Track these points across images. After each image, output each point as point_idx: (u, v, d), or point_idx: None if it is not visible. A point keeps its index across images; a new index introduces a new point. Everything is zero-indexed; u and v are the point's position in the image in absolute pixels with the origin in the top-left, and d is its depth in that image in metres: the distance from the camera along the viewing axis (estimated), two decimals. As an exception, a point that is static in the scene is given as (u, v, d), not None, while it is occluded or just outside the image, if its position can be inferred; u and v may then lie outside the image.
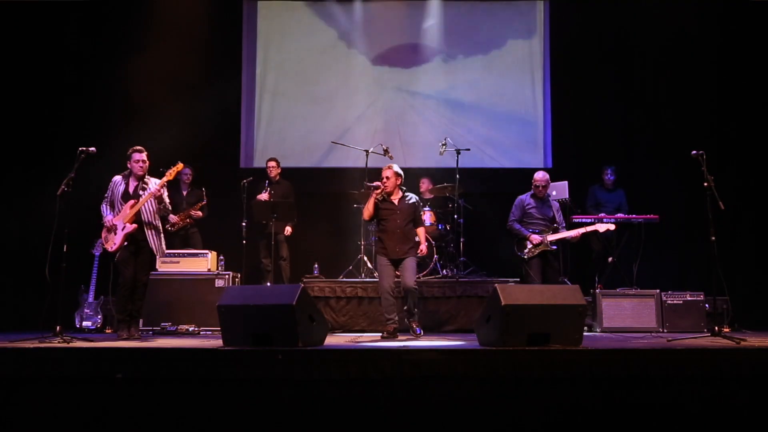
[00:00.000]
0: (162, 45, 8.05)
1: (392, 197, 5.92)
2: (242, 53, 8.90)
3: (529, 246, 6.33)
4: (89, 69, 8.27)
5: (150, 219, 5.65)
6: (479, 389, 3.95)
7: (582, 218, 6.85)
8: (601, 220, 6.69)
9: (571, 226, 6.64)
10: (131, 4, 8.36)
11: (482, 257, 7.76)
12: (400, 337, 5.56)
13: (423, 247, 5.97)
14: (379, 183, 5.87)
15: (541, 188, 6.51)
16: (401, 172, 5.97)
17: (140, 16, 8.27)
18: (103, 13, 8.32)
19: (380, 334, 5.79)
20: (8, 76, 7.82)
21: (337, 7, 8.97)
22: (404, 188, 6.03)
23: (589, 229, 6.42)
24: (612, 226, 6.46)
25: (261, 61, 8.95)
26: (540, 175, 6.56)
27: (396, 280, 5.91)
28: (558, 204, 6.75)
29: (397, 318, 5.75)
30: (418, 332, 5.72)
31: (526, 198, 6.57)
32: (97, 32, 8.33)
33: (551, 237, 6.35)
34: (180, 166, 5.88)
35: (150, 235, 5.64)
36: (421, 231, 6.08)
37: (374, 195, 5.86)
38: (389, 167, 5.94)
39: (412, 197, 6.04)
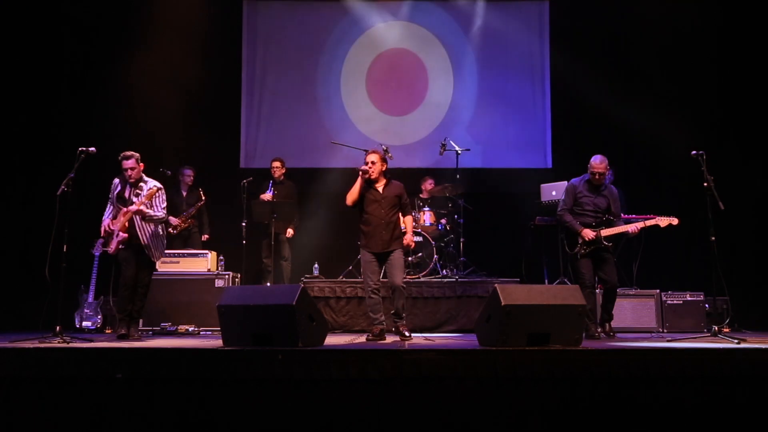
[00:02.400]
0: (162, 45, 8.08)
1: (376, 185, 5.48)
2: (242, 53, 8.90)
3: (580, 242, 5.60)
4: (89, 70, 8.28)
5: (142, 226, 5.51)
6: (479, 389, 3.95)
7: None
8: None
9: None
10: (131, 4, 8.36)
11: (482, 257, 7.77)
12: (387, 339, 5.37)
13: (409, 236, 5.51)
14: (365, 167, 5.43)
15: (597, 175, 5.64)
16: (386, 157, 5.59)
17: (140, 17, 8.28)
18: (104, 14, 8.31)
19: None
20: (7, 76, 7.81)
21: (336, 7, 8.97)
22: (389, 175, 5.56)
23: (649, 222, 5.64)
24: (675, 220, 5.66)
25: (261, 61, 8.95)
26: (597, 161, 5.67)
27: (384, 279, 5.65)
28: (617, 191, 5.91)
29: (383, 318, 5.48)
30: (407, 336, 5.33)
31: (579, 184, 5.78)
32: (97, 33, 8.33)
33: (606, 232, 5.58)
34: (154, 190, 5.43)
35: (146, 239, 5.53)
36: (408, 220, 5.60)
37: (361, 177, 5.41)
38: (373, 151, 5.53)
39: (398, 183, 5.58)
